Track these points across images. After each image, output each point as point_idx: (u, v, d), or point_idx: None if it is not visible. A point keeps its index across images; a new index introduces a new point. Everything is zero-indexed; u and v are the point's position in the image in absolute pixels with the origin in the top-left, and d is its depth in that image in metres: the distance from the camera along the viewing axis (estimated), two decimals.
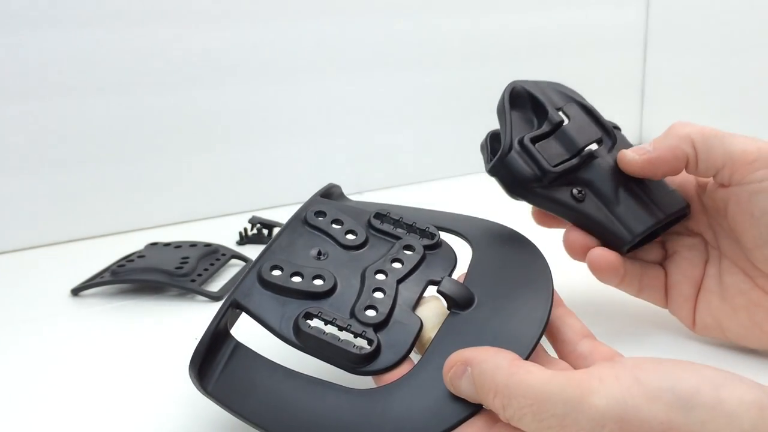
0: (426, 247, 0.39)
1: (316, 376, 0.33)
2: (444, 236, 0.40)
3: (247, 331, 0.36)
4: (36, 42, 0.63)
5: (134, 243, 0.62)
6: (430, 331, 0.35)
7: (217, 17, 0.71)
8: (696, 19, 0.94)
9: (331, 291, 0.36)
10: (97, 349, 0.46)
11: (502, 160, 0.43)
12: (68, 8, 0.64)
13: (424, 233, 0.39)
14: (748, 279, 0.40)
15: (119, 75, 0.67)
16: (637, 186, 0.42)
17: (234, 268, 0.59)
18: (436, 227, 0.40)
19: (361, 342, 0.33)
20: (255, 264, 0.37)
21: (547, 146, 0.43)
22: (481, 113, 0.90)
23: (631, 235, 0.41)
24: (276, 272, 0.36)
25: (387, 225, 0.40)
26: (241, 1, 0.72)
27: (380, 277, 0.37)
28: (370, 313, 0.34)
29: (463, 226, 0.42)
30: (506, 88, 0.45)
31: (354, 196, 0.81)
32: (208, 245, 0.60)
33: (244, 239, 0.66)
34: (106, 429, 0.37)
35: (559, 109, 0.44)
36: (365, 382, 0.34)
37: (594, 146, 0.43)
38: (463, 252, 0.40)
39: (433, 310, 0.36)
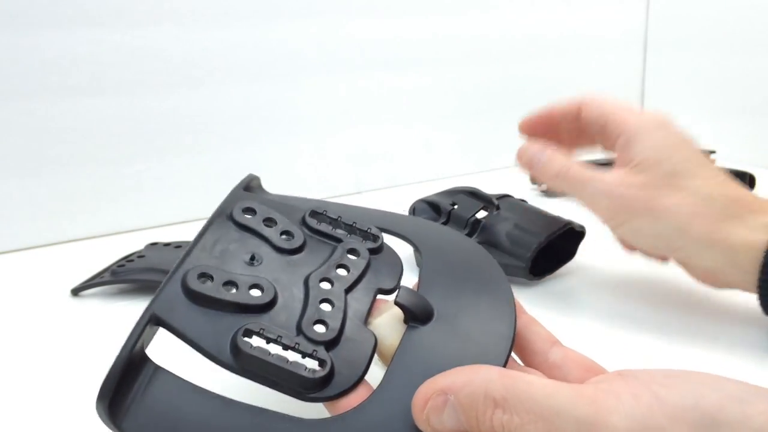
0: (370, 251, 0.35)
1: (258, 405, 0.28)
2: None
3: (166, 351, 0.30)
4: (36, 42, 0.63)
5: (134, 243, 0.62)
6: (393, 339, 0.31)
7: (217, 17, 0.71)
8: (696, 19, 0.94)
9: (271, 303, 0.31)
10: (97, 349, 0.46)
11: None
12: (68, 8, 0.64)
13: (366, 235, 0.36)
14: None
15: (119, 75, 0.67)
16: (519, 228, 0.53)
17: None
18: (378, 228, 0.37)
19: (312, 363, 0.29)
20: (176, 270, 0.31)
21: None
22: (481, 113, 0.91)
23: (524, 262, 0.51)
24: (205, 281, 0.31)
25: (325, 225, 0.36)
26: (241, 1, 0.72)
27: (326, 285, 0.32)
28: (320, 328, 0.30)
29: (407, 229, 0.38)
30: (410, 207, 0.61)
31: (354, 196, 0.81)
32: None
33: None
34: (106, 428, 0.37)
35: (452, 204, 0.57)
36: (317, 410, 0.30)
37: (482, 213, 0.56)
38: (404, 254, 0.37)
39: (388, 318, 0.32)
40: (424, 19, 0.83)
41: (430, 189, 0.63)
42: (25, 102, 0.64)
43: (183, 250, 0.57)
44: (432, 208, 0.60)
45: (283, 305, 0.31)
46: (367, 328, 0.32)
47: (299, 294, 0.32)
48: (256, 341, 0.29)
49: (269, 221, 0.35)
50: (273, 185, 0.78)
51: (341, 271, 0.33)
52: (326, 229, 0.36)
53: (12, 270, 0.62)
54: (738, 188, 0.43)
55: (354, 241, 0.35)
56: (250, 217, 0.35)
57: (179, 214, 0.73)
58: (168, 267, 0.54)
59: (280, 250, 0.34)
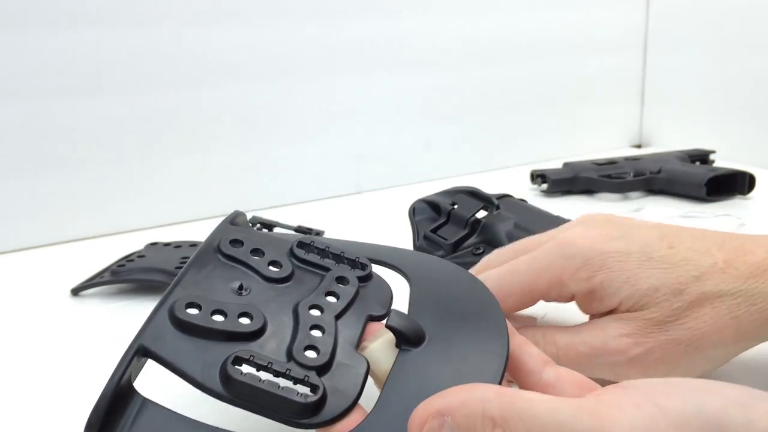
0: (359, 279, 0.35)
1: None
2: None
3: (152, 382, 0.30)
4: (36, 42, 0.63)
5: (134, 243, 0.62)
6: (386, 364, 0.31)
7: (217, 17, 0.71)
8: (696, 20, 0.94)
9: (261, 331, 0.31)
10: (97, 349, 0.46)
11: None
12: (68, 8, 0.64)
13: (354, 264, 0.36)
14: None
15: (119, 75, 0.67)
16: (519, 227, 0.53)
17: None
18: (366, 258, 0.36)
19: (304, 389, 0.28)
20: (164, 301, 0.31)
21: (447, 230, 0.57)
22: (481, 113, 0.91)
23: None
24: (193, 310, 0.30)
25: (313, 255, 0.35)
26: (241, 1, 0.72)
27: (315, 312, 0.32)
28: (311, 354, 0.30)
29: (395, 258, 0.38)
30: (410, 206, 0.61)
31: (354, 196, 0.81)
32: None
33: None
34: None
35: (452, 203, 0.58)
36: None
37: (482, 213, 0.56)
38: (395, 286, 0.37)
39: (380, 343, 0.32)
40: (424, 19, 0.83)
41: (430, 189, 0.63)
42: (25, 102, 0.64)
43: (183, 250, 0.58)
44: (432, 207, 0.60)
45: (272, 332, 0.31)
46: (358, 353, 0.31)
47: (289, 321, 0.32)
48: (246, 369, 0.29)
49: (257, 252, 0.35)
50: (273, 185, 0.78)
51: (330, 299, 0.33)
52: (314, 258, 0.35)
53: (12, 270, 0.62)
54: (729, 251, 0.36)
55: (342, 270, 0.35)
56: (237, 248, 0.35)
57: (179, 214, 0.73)
58: (168, 267, 0.55)
59: (268, 279, 0.34)
